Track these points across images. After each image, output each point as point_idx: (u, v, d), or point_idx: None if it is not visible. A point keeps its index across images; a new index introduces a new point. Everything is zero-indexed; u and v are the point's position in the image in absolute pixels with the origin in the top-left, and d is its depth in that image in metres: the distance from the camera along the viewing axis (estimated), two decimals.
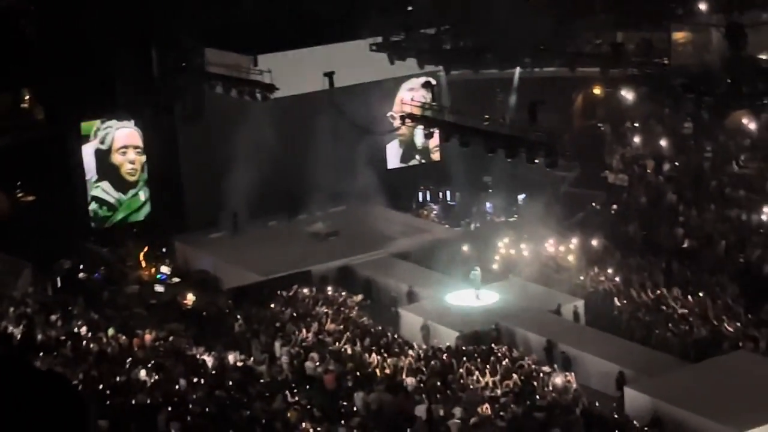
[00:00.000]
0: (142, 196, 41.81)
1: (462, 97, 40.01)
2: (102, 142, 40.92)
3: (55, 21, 39.81)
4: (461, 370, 29.32)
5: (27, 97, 42.61)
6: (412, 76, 41.82)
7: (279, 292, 35.46)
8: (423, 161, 45.63)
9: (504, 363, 29.54)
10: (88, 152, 40.90)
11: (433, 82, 38.15)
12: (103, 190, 41.07)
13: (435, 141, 43.08)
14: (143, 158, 41.63)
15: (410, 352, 30.98)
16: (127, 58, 39.28)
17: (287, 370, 30.33)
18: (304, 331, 32.36)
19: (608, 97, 44.44)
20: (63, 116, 40.56)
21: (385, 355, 30.70)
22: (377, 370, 29.92)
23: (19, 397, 4.66)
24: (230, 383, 28.87)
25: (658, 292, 33.54)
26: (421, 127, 36.78)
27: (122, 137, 41.21)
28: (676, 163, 41.28)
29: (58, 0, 39.60)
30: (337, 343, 31.48)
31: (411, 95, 41.58)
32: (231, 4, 38.06)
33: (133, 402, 27.56)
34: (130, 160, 41.49)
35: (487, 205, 42.83)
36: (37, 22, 40.91)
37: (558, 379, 28.58)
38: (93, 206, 41.27)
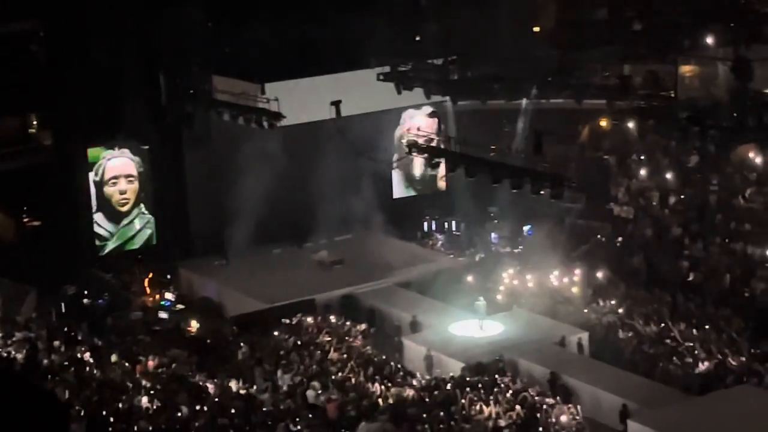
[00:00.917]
0: (137, 224, 41.62)
1: (468, 127, 40.05)
2: (96, 174, 40.84)
3: (64, 46, 39.97)
4: (464, 401, 29.24)
5: (35, 122, 42.74)
6: (419, 106, 41.89)
7: (283, 320, 35.43)
8: (421, 192, 45.46)
9: (508, 394, 29.47)
10: (92, 180, 40.89)
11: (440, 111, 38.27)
12: (96, 222, 40.96)
13: (440, 171, 43.10)
14: (136, 186, 41.39)
15: (413, 381, 30.93)
16: (135, 85, 39.43)
17: (290, 399, 30.26)
18: (307, 359, 32.31)
19: (614, 130, 44.45)
20: (70, 142, 40.61)
21: (389, 384, 30.64)
22: (380, 400, 29.84)
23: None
24: (233, 411, 28.81)
25: (663, 324, 33.48)
26: (422, 156, 36.80)
27: (113, 168, 41.04)
28: (682, 196, 41.26)
29: (67, 25, 39.72)
30: (340, 373, 31.42)
31: (417, 125, 41.64)
32: (239, 32, 38.19)
33: (135, 429, 27.54)
34: (121, 191, 41.25)
35: (493, 235, 42.81)
36: (47, 47, 41.08)
37: (562, 414, 28.48)
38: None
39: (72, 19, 39.46)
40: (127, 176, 41.25)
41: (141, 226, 41.61)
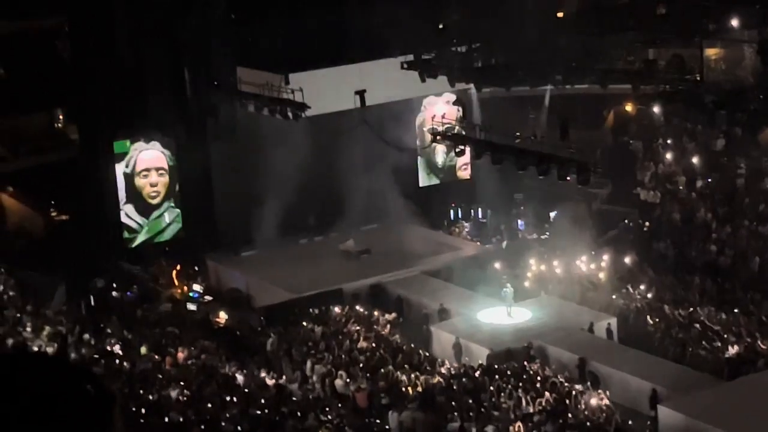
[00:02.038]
0: (167, 217, 41.65)
1: (493, 114, 39.99)
2: (127, 166, 40.92)
3: (88, 41, 40.10)
4: (492, 388, 29.25)
5: (61, 117, 42.92)
6: (440, 93, 41.84)
7: (311, 309, 35.50)
8: (444, 180, 45.39)
9: (537, 381, 29.46)
10: (120, 173, 40.99)
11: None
12: (126, 214, 41.00)
13: (464, 159, 43.05)
14: (167, 179, 41.51)
15: (442, 369, 30.95)
16: (160, 78, 39.52)
17: (319, 389, 30.35)
18: (335, 349, 32.38)
19: (640, 114, 44.33)
20: (96, 136, 40.76)
21: (417, 373, 30.67)
22: (409, 388, 29.88)
23: (45, 391, 4.75)
24: (262, 401, 28.90)
25: (692, 309, 33.38)
26: (448, 144, 36.76)
27: (144, 160, 41.08)
28: (709, 180, 41.12)
29: (91, 20, 39.86)
30: (369, 362, 31.47)
31: (440, 112, 41.63)
32: (262, 24, 38.23)
33: (166, 420, 27.64)
34: (152, 183, 41.28)
35: (519, 222, 42.76)
36: (71, 43, 41.25)
37: (592, 398, 28.46)
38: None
39: (96, 14, 39.59)
40: (158, 169, 41.30)
41: (171, 219, 41.71)
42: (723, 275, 35.85)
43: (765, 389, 28.26)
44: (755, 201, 39.13)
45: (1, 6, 39.42)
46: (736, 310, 32.87)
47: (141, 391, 29.23)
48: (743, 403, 27.69)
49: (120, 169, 40.74)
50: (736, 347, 30.81)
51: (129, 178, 40.93)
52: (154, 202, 41.40)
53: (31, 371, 4.96)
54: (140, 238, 41.30)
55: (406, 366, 31.11)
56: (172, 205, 41.72)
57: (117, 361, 31.40)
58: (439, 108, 42.86)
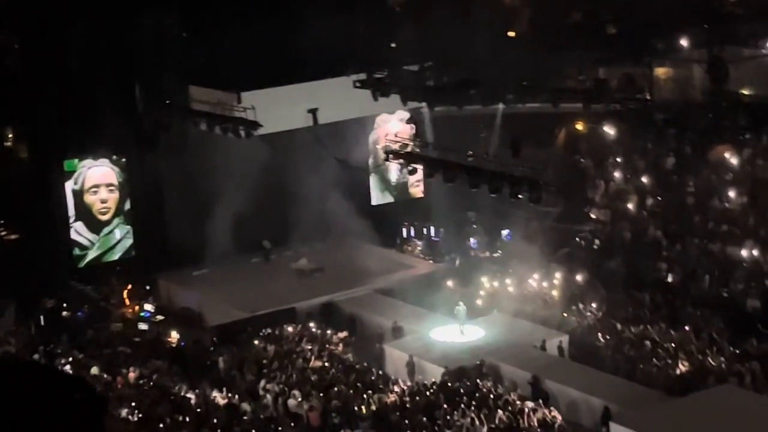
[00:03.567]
0: (118, 234, 41.43)
1: (446, 132, 40.08)
2: (75, 183, 40.65)
3: (39, 58, 39.80)
4: (446, 406, 29.24)
5: (10, 135, 42.55)
6: (392, 111, 41.90)
7: (263, 329, 35.37)
8: (398, 198, 45.47)
9: (489, 399, 29.49)
10: (69, 190, 40.71)
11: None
12: (77, 231, 40.76)
13: (416, 177, 43.09)
14: (117, 196, 41.26)
15: (395, 388, 30.92)
16: (111, 96, 39.29)
17: (272, 408, 30.22)
18: (288, 368, 32.27)
19: (591, 133, 44.56)
20: (47, 154, 40.46)
21: (371, 391, 30.62)
22: (362, 407, 29.83)
23: (39, 398, 4.75)
24: (215, 421, 28.75)
25: (642, 326, 33.58)
26: (400, 162, 36.81)
27: (94, 176, 40.85)
28: (659, 198, 41.38)
29: (42, 37, 39.57)
30: (321, 381, 31.39)
31: (394, 131, 41.68)
32: (214, 42, 38.13)
33: None
34: (102, 199, 41.07)
35: (471, 240, 42.85)
36: (22, 60, 40.92)
37: (544, 416, 28.53)
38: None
39: (47, 31, 39.31)
40: (108, 185, 41.10)
41: (121, 236, 41.45)
42: (673, 292, 36.10)
43: (715, 405, 28.45)
44: (705, 219, 39.43)
45: None
46: (686, 327, 33.10)
47: None
48: (694, 419, 27.88)
49: (69, 186, 40.49)
50: (686, 364, 31.01)
51: (78, 194, 40.68)
52: (104, 218, 41.18)
53: (20, 379, 4.95)
54: (91, 255, 41.03)
55: (359, 384, 31.05)
56: (123, 221, 41.46)
57: None
58: (392, 126, 42.93)
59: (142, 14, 38.63)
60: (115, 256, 41.48)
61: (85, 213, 40.88)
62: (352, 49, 35.94)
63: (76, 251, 40.82)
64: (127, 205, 41.42)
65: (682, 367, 30.97)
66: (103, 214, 41.17)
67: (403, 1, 42.89)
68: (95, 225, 41.03)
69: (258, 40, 37.30)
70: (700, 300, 35.18)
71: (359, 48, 35.96)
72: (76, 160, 40.48)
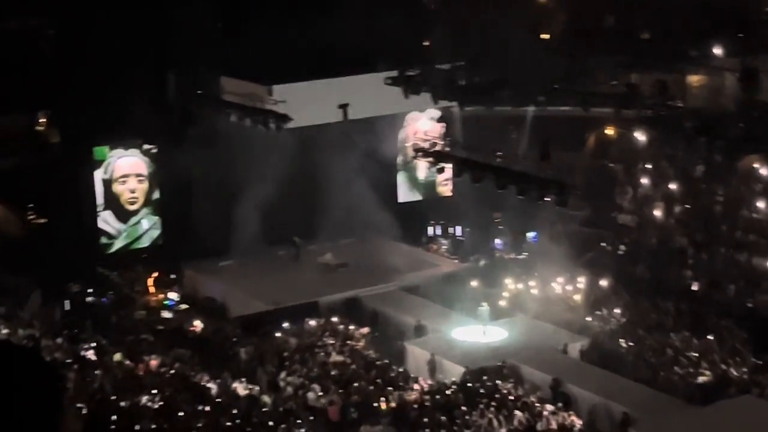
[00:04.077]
0: (145, 224, 41.57)
1: (475, 132, 40.10)
2: (105, 172, 40.84)
3: (72, 44, 39.99)
4: (465, 407, 29.25)
5: (42, 120, 42.77)
6: (422, 109, 41.91)
7: (286, 322, 35.46)
8: (425, 197, 45.51)
9: (509, 400, 29.49)
10: (98, 179, 40.91)
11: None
12: (104, 220, 40.96)
13: (444, 176, 43.09)
14: (146, 186, 41.46)
15: (416, 386, 30.95)
16: (143, 84, 39.46)
17: (291, 401, 30.31)
18: (309, 361, 32.35)
19: (621, 138, 44.48)
20: (77, 140, 40.66)
21: (391, 388, 30.67)
22: (382, 403, 29.87)
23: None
24: (234, 411, 28.85)
25: (665, 334, 33.48)
26: (429, 160, 36.82)
27: (123, 166, 41.02)
28: (687, 206, 41.27)
29: (75, 23, 39.75)
30: (342, 375, 31.46)
31: (424, 129, 41.74)
32: (248, 34, 38.25)
33: (137, 428, 27.56)
34: (131, 189, 41.22)
35: (497, 241, 42.84)
36: (55, 45, 41.12)
37: (562, 419, 28.50)
38: None
39: (80, 17, 39.48)
40: (138, 175, 41.24)
41: (149, 226, 41.62)
42: (698, 301, 35.99)
43: (736, 416, 28.35)
44: (732, 228, 39.30)
45: None
46: (710, 337, 32.99)
47: (113, 397, 29.13)
48: (714, 429, 27.80)
49: (98, 175, 40.67)
50: (708, 373, 30.91)
51: (107, 184, 40.86)
52: (133, 208, 41.31)
53: None
54: (118, 244, 41.19)
55: (379, 381, 31.10)
56: (151, 212, 41.63)
57: (90, 366, 31.27)
58: (422, 124, 42.98)
59: (177, 3, 38.76)
60: (142, 245, 41.64)
61: (113, 202, 41.05)
62: (385, 46, 35.95)
63: (104, 240, 40.98)
64: (156, 195, 41.59)
65: (704, 376, 30.86)
66: (132, 203, 41.32)
67: None
68: (123, 214, 41.20)
69: (291, 34, 37.41)
70: (725, 309, 35.06)
71: (392, 45, 35.97)
72: (106, 148, 40.65)
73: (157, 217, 41.64)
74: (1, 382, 4.84)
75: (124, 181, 41.09)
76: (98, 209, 40.76)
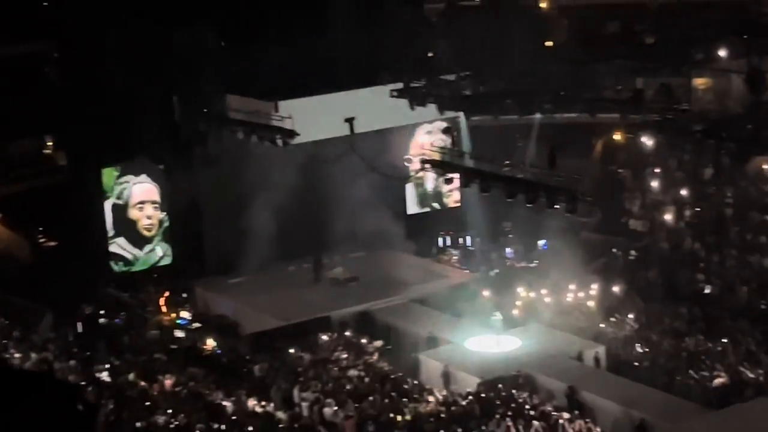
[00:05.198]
0: (159, 251, 41.62)
1: (482, 141, 40.10)
2: (119, 198, 40.85)
3: (77, 67, 40.11)
4: (481, 418, 29.18)
5: (50, 143, 42.86)
6: (432, 121, 41.94)
7: (298, 337, 35.42)
8: (436, 207, 45.52)
9: (525, 409, 29.41)
10: (109, 204, 40.85)
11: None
12: (119, 246, 40.95)
13: (452, 186, 43.05)
14: (161, 214, 41.49)
15: (430, 398, 30.89)
16: (149, 105, 39.51)
17: (307, 416, 30.26)
18: (323, 376, 32.31)
19: (628, 143, 44.45)
20: (85, 162, 40.72)
21: (406, 400, 30.61)
22: (398, 416, 29.81)
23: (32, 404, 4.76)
24: (250, 429, 28.80)
25: (679, 338, 33.40)
26: (436, 171, 36.79)
27: (139, 192, 41.08)
28: (697, 209, 41.21)
29: (80, 47, 39.87)
30: (357, 389, 31.40)
31: (431, 140, 41.74)
32: (252, 51, 38.29)
33: None
34: (148, 215, 41.27)
35: (507, 250, 42.79)
36: (61, 69, 41.22)
37: (579, 426, 28.42)
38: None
39: (85, 40, 39.61)
40: (153, 202, 41.32)
41: (163, 253, 41.66)
42: (711, 304, 35.90)
43: (753, 419, 28.25)
44: (743, 230, 39.22)
45: None
46: (724, 340, 32.89)
47: (129, 418, 29.10)
48: None
49: (110, 200, 40.63)
50: (724, 377, 30.82)
51: (121, 209, 40.83)
52: (149, 234, 41.39)
53: (20, 388, 4.97)
54: (135, 270, 41.21)
55: (394, 394, 31.04)
56: (162, 238, 41.60)
57: (104, 388, 31.25)
58: (429, 135, 42.97)
59: (180, 24, 38.83)
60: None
61: (128, 228, 41.03)
62: (389, 59, 35.97)
63: (120, 266, 41.02)
64: (165, 214, 41.61)
65: (720, 380, 30.76)
66: (149, 230, 41.39)
67: (441, 10, 43.03)
68: (138, 240, 41.24)
69: (295, 50, 37.48)
70: (738, 312, 34.97)
71: (396, 57, 35.98)
72: (115, 170, 40.67)
73: (168, 246, 41.55)
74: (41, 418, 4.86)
75: (141, 207, 41.12)
76: (110, 234, 40.71)
